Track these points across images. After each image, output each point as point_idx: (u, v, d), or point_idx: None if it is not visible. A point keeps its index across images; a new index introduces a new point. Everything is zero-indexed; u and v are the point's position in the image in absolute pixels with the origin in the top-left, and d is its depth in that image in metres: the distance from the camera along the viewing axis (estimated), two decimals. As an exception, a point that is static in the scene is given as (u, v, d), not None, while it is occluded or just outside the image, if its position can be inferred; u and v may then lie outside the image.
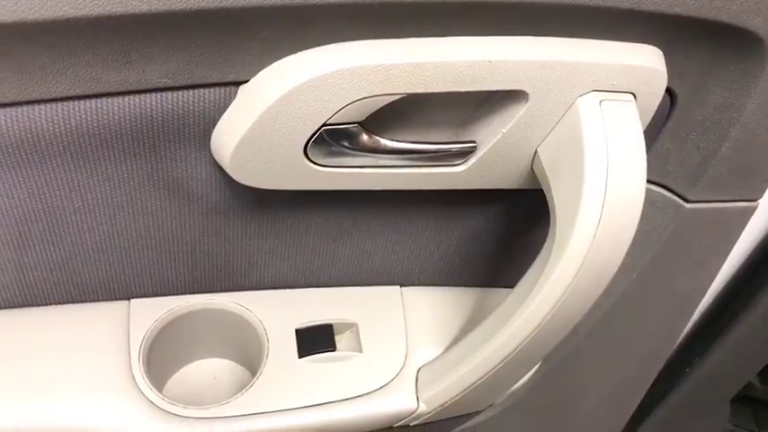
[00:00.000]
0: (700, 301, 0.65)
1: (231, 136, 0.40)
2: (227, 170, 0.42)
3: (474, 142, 0.44)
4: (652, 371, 0.76)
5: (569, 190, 0.41)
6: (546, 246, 0.44)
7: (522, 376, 0.56)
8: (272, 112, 0.38)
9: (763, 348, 0.85)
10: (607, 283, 0.44)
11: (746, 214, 0.55)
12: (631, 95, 0.42)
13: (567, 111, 0.41)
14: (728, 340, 0.79)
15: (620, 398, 0.79)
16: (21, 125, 0.38)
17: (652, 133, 0.47)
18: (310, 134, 0.40)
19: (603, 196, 0.40)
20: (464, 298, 0.59)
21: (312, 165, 0.42)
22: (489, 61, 0.39)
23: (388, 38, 0.38)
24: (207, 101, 0.40)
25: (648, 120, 0.44)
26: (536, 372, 0.63)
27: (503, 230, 0.55)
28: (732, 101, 0.45)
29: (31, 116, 0.38)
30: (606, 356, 0.69)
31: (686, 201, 0.52)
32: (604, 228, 0.40)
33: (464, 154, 0.44)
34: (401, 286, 0.58)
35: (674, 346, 0.80)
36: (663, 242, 0.55)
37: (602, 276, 0.43)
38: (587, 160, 0.40)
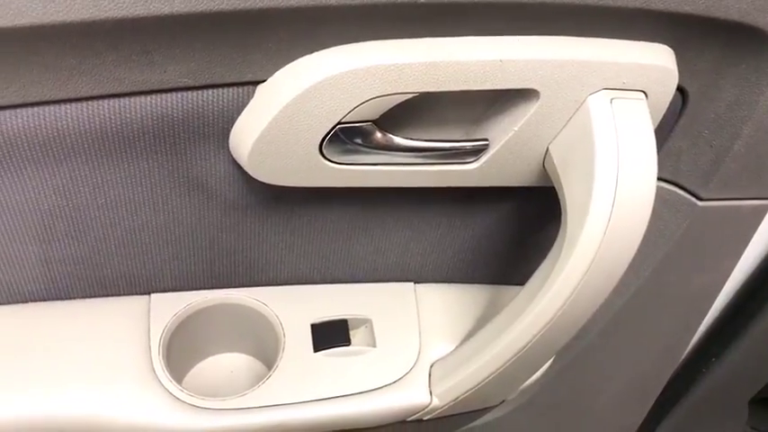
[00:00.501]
0: (714, 300, 0.65)
1: (249, 134, 0.41)
2: (245, 167, 0.43)
3: (486, 140, 0.44)
4: (666, 370, 0.76)
5: (580, 187, 0.42)
6: (557, 243, 0.45)
7: (534, 372, 0.57)
8: (289, 110, 0.39)
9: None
10: (617, 281, 0.44)
11: (760, 212, 0.55)
12: (642, 94, 0.42)
13: (577, 109, 0.42)
14: (745, 341, 0.79)
15: (634, 397, 0.79)
16: (47, 124, 0.40)
17: (664, 131, 0.48)
18: (325, 132, 0.41)
19: (614, 194, 0.41)
20: (477, 295, 0.59)
21: (327, 162, 0.43)
22: (500, 60, 0.39)
23: (402, 38, 0.39)
24: (226, 100, 0.41)
25: (660, 118, 0.45)
26: (549, 369, 0.64)
27: (515, 228, 0.55)
28: (744, 98, 0.45)
29: (58, 115, 0.40)
30: (620, 355, 0.69)
31: (699, 199, 0.52)
32: (614, 225, 0.41)
33: (476, 152, 0.45)
34: (415, 283, 0.59)
35: (689, 346, 0.79)
36: (676, 240, 0.55)
37: (613, 273, 0.43)
38: (598, 158, 0.40)
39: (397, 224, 0.53)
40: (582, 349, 0.65)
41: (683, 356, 0.81)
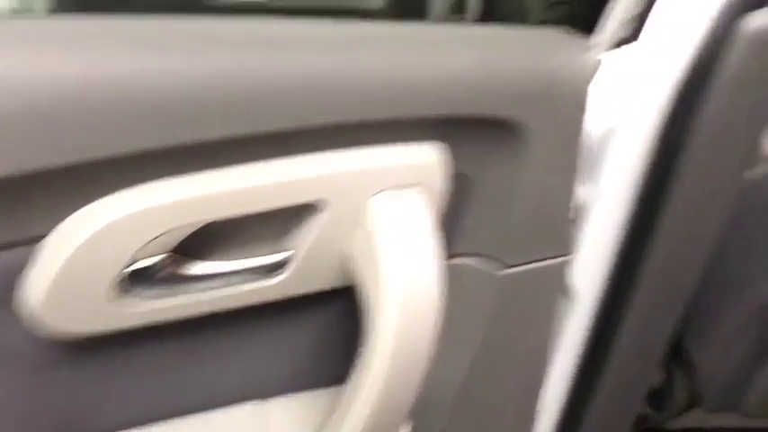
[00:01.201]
0: (546, 356, 0.70)
1: (37, 291, 0.40)
2: (38, 326, 0.41)
3: (290, 251, 0.47)
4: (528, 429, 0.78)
5: (372, 283, 0.45)
6: (364, 337, 0.47)
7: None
8: (74, 261, 0.39)
9: (637, 379, 0.90)
10: (426, 360, 0.46)
11: (564, 267, 0.61)
12: (419, 188, 0.46)
13: (362, 212, 0.45)
14: (608, 375, 0.84)
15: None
16: None
17: (456, 212, 0.52)
18: (115, 275, 0.41)
19: (401, 283, 0.44)
20: (324, 399, 0.59)
21: (125, 304, 0.42)
22: (281, 182, 0.42)
23: (180, 174, 0.41)
24: (7, 261, 0.40)
25: (441, 205, 0.49)
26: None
27: (347, 326, 0.57)
28: (508, 176, 0.50)
29: None
30: (481, 425, 0.71)
31: (505, 266, 0.57)
32: (407, 312, 0.44)
33: (282, 264, 0.47)
34: (261, 399, 0.58)
35: (537, 402, 0.83)
36: (493, 308, 0.59)
37: (418, 354, 0.46)
38: (380, 254, 0.44)
39: (228, 344, 0.53)
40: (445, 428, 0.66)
41: (550, 419, 0.85)
